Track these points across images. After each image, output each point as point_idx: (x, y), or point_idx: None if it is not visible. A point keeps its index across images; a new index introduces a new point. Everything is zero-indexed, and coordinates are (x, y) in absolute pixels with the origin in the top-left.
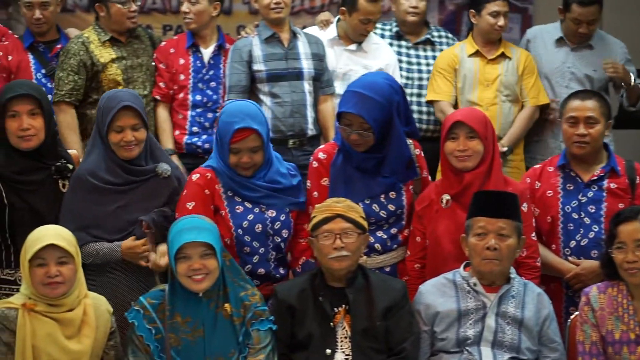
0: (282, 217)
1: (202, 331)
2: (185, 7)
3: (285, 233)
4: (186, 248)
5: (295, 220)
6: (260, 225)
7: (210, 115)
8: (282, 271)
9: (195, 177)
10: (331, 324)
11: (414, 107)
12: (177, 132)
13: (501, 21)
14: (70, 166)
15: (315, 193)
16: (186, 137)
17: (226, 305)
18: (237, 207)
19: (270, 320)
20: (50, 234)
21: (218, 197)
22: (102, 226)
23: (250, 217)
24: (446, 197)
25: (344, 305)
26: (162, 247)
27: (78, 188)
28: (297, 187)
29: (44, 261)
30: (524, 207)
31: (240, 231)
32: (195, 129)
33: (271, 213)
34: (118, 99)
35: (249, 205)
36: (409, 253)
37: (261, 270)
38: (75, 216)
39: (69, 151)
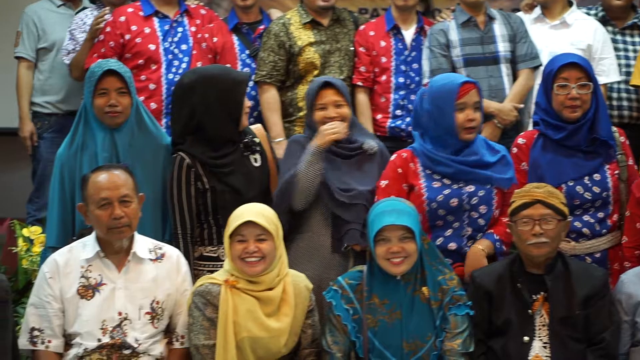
0: (481, 193)
1: (399, 313)
2: None
3: (483, 209)
4: (386, 230)
5: (501, 199)
6: (456, 200)
7: (413, 97)
8: None
9: (392, 157)
10: (529, 311)
11: (623, 94)
12: (379, 116)
13: None
14: (257, 140)
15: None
16: (389, 120)
17: (424, 288)
18: (434, 182)
19: (468, 306)
20: (251, 212)
21: (413, 174)
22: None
23: (447, 191)
24: None
25: (542, 293)
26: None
27: (293, 152)
28: (503, 163)
29: (243, 237)
30: None
31: (434, 205)
32: (398, 111)
33: (469, 188)
34: (319, 80)
35: (447, 182)
36: (626, 239)
37: (452, 245)
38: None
39: (253, 127)
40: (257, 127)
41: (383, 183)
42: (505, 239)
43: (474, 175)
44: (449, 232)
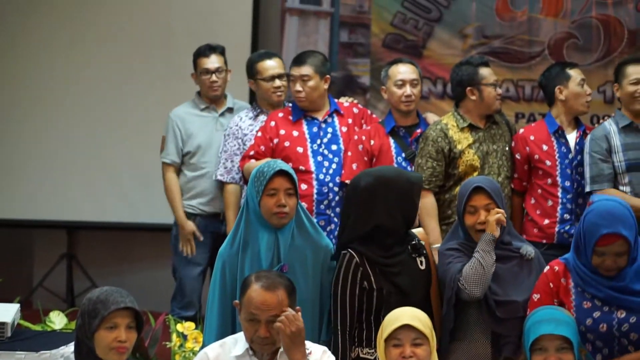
0: (632, 320)
1: None
2: (588, 90)
3: (634, 337)
4: (543, 340)
5: None
6: (605, 325)
7: (580, 201)
8: None
9: (545, 269)
10: None
11: None
12: (546, 221)
13: None
14: (423, 242)
15: None
16: (557, 225)
17: None
18: (585, 302)
19: None
20: (407, 315)
21: (565, 290)
22: None
23: (597, 314)
24: None
25: None
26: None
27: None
28: None
29: (399, 342)
30: None
31: (582, 328)
32: (566, 216)
33: (620, 313)
34: (472, 183)
35: (598, 303)
36: None
37: None
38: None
39: (415, 230)
40: (419, 231)
41: (535, 297)
42: None
43: (626, 302)
44: (599, 358)
